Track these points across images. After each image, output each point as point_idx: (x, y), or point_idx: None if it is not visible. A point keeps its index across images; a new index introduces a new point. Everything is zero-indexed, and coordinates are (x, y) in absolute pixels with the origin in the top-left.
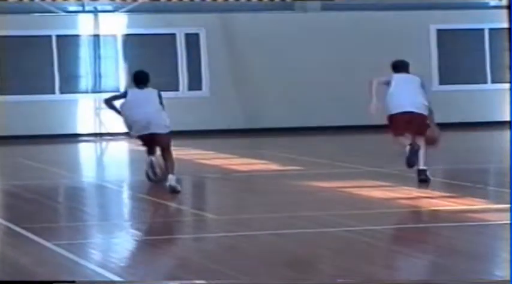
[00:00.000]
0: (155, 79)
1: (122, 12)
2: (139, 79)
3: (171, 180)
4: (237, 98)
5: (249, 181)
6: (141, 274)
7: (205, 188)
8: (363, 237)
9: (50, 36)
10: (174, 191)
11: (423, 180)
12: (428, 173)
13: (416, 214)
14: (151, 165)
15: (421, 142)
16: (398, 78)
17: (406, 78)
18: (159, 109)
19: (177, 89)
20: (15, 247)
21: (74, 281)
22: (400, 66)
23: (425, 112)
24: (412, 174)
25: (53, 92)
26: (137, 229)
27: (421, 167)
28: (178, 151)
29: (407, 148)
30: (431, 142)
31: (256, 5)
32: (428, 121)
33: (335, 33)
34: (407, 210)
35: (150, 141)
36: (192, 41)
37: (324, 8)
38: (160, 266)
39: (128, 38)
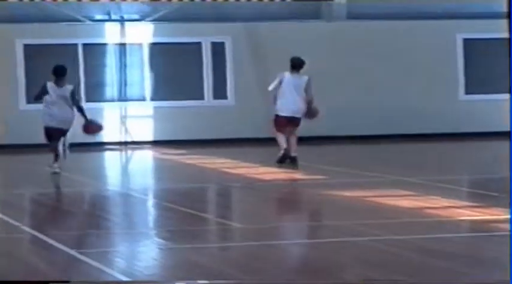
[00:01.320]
0: (180, 88)
1: (148, 21)
2: (57, 74)
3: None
4: (262, 107)
5: (274, 190)
6: (166, 282)
7: (230, 197)
8: (388, 247)
9: (76, 45)
10: None
11: (293, 160)
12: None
13: (442, 223)
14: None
15: (293, 135)
16: (287, 80)
17: (294, 81)
18: (71, 106)
19: (202, 98)
20: (40, 255)
21: (68, 281)
22: (296, 65)
23: (301, 115)
24: (439, 183)
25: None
26: (162, 237)
27: (293, 154)
28: (204, 160)
29: (282, 151)
30: (313, 115)
31: (282, 13)
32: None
33: (360, 42)
34: (433, 219)
35: (57, 132)
36: (218, 49)
37: (350, 17)
38: (184, 274)
39: (153, 46)
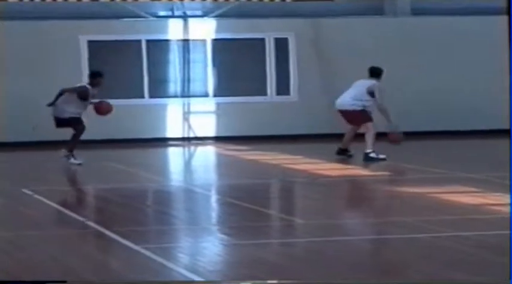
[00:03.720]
0: (243, 84)
1: (211, 17)
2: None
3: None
4: (326, 103)
5: (338, 186)
6: (228, 278)
7: (293, 192)
8: (452, 243)
9: (139, 41)
10: None
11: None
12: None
13: (506, 220)
14: None
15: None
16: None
17: (360, 82)
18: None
19: (265, 94)
20: (105, 250)
21: (65, 281)
22: (370, 73)
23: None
24: (502, 180)
25: (142, 96)
26: (225, 233)
27: (342, 147)
28: (266, 156)
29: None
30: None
31: (346, 9)
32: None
33: (425, 38)
34: (497, 216)
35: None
36: (281, 45)
37: (414, 13)
38: (247, 270)
39: (216, 42)
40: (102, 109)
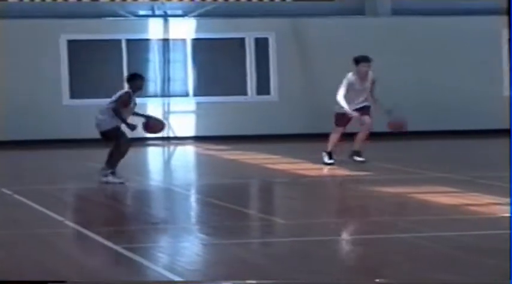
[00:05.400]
0: (224, 84)
1: (191, 16)
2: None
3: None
4: (306, 103)
5: (318, 186)
6: (207, 277)
7: (273, 192)
8: (431, 243)
9: (119, 40)
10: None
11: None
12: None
13: (485, 220)
14: None
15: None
16: None
17: None
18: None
19: (245, 94)
20: (84, 250)
21: (65, 281)
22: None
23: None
24: (481, 180)
25: None
26: (205, 233)
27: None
28: (246, 156)
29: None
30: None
31: (326, 9)
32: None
33: (405, 38)
34: (476, 216)
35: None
36: (261, 45)
37: (395, 13)
38: (226, 270)
39: (197, 42)
40: (149, 128)
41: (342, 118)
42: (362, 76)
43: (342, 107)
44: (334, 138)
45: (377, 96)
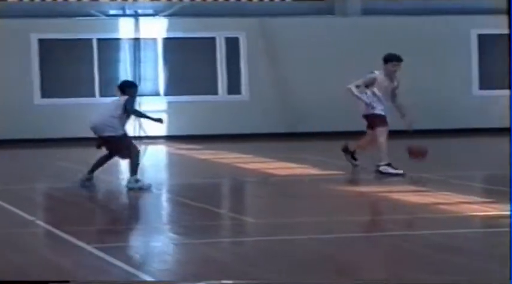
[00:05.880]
0: (195, 83)
1: (162, 15)
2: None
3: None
4: (277, 102)
5: (288, 186)
6: (178, 277)
7: (243, 192)
8: (402, 242)
9: (90, 40)
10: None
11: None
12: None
13: (456, 219)
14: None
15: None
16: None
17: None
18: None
19: (216, 93)
20: (55, 250)
21: (68, 281)
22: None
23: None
24: (451, 179)
25: (93, 95)
26: (176, 232)
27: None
28: (217, 155)
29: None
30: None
31: (297, 8)
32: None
33: (375, 38)
34: (447, 215)
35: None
36: (232, 44)
37: (365, 12)
38: (197, 269)
39: (168, 41)
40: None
41: (379, 117)
42: (390, 76)
43: (374, 108)
44: (383, 141)
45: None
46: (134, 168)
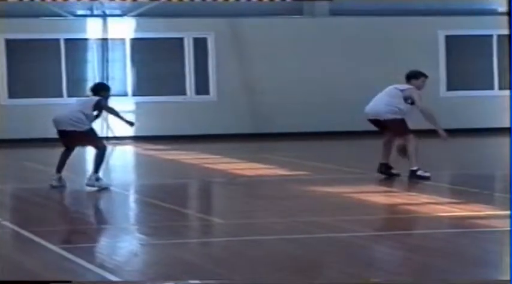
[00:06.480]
0: (163, 83)
1: (130, 16)
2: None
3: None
4: (245, 103)
5: (256, 186)
6: (146, 277)
7: (211, 192)
8: (368, 243)
9: (58, 40)
10: None
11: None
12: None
13: (422, 219)
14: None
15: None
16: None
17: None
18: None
19: (184, 93)
20: (22, 250)
21: (70, 281)
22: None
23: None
24: (420, 180)
25: (61, 96)
26: (143, 233)
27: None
28: (185, 156)
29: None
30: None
31: (265, 9)
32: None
33: (343, 38)
34: (413, 215)
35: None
36: (200, 45)
37: (332, 13)
38: (165, 270)
39: (136, 41)
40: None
41: (404, 122)
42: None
43: (397, 112)
44: (412, 148)
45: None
46: (98, 164)
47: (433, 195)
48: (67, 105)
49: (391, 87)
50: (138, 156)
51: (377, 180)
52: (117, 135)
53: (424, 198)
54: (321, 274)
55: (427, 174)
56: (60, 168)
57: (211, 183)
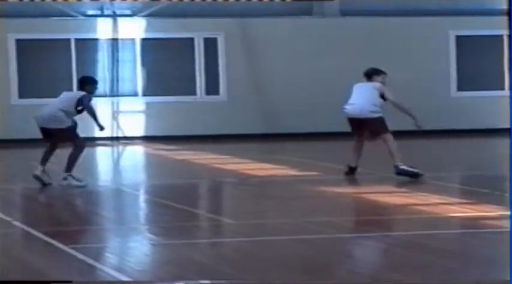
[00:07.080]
0: (173, 83)
1: (140, 16)
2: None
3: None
4: (255, 103)
5: (267, 186)
6: (157, 277)
7: (222, 192)
8: (379, 243)
9: (68, 40)
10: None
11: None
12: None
13: (433, 220)
14: None
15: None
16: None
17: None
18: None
19: (194, 94)
20: (32, 251)
21: (70, 281)
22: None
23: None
24: (429, 180)
25: None
26: (154, 233)
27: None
28: (195, 156)
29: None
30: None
31: (275, 9)
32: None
33: (353, 38)
34: (424, 216)
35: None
36: (210, 45)
37: (343, 13)
38: (176, 270)
39: (146, 42)
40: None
41: (384, 121)
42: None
43: (377, 111)
44: (393, 145)
45: None
46: (71, 163)
47: (444, 196)
48: (49, 103)
49: (361, 84)
50: (148, 156)
51: (388, 180)
52: (127, 135)
53: (435, 199)
54: (331, 275)
55: (414, 170)
56: (44, 161)
57: (222, 183)
